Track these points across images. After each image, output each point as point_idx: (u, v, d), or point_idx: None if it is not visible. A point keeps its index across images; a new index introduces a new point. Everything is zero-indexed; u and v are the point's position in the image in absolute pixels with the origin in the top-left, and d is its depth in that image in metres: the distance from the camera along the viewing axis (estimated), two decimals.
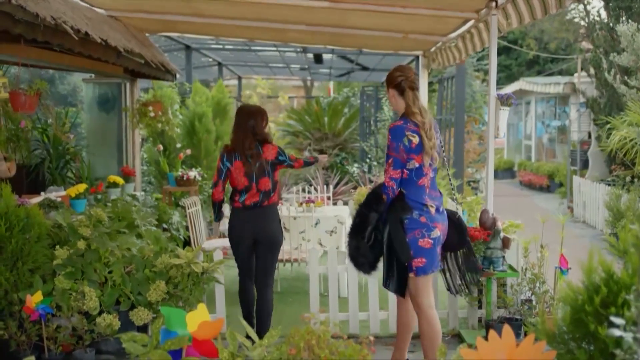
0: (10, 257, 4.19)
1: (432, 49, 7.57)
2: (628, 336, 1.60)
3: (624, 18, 11.67)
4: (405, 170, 3.78)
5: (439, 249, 3.86)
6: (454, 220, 4.03)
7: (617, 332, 1.60)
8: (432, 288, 3.96)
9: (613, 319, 1.64)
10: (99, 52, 5.32)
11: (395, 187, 3.78)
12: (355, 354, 2.20)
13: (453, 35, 6.56)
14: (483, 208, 5.20)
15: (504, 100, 5.15)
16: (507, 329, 1.70)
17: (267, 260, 4.76)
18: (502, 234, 4.91)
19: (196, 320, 2.20)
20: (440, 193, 3.97)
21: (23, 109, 4.85)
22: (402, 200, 3.78)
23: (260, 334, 4.57)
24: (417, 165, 3.77)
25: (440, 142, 4.00)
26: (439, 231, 3.81)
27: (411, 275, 3.85)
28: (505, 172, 21.21)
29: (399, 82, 3.85)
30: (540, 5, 4.62)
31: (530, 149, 20.88)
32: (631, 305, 1.67)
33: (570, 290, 1.85)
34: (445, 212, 3.94)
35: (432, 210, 3.80)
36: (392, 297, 5.24)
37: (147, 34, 7.59)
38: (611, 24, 12.08)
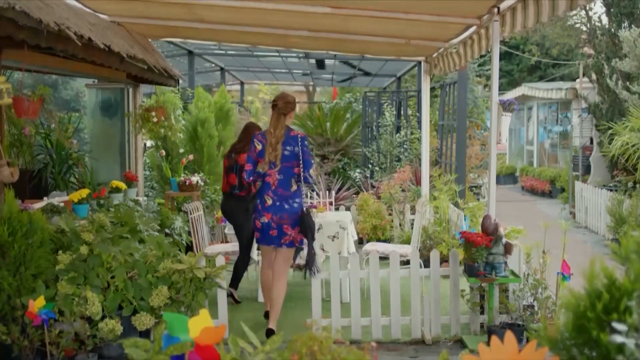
0: (13, 262, 4.20)
1: (434, 55, 7.58)
2: (630, 342, 1.60)
3: (625, 24, 11.68)
4: (256, 168, 5.13)
5: (272, 232, 5.11)
6: (303, 216, 5.11)
7: (619, 339, 1.60)
8: (266, 258, 5.37)
9: (615, 325, 1.64)
10: (102, 57, 5.34)
11: (246, 176, 5.15)
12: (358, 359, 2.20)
13: (455, 41, 6.58)
14: (485, 214, 5.20)
15: (506, 106, 5.16)
16: (509, 334, 1.70)
17: (239, 239, 6.33)
18: (504, 240, 4.90)
19: (198, 325, 2.20)
20: (296, 193, 5.11)
21: (26, 115, 4.86)
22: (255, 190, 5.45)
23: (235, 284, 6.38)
24: (260, 166, 5.12)
25: (297, 152, 5.06)
26: (267, 219, 5.09)
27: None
28: (507, 177, 21.20)
29: (272, 104, 5.22)
30: (535, 14, 4.63)
31: (533, 155, 20.87)
32: (633, 312, 1.67)
33: (572, 296, 1.84)
34: (287, 207, 5.07)
35: (269, 202, 5.08)
36: (394, 302, 5.25)
37: (150, 40, 7.62)
38: (612, 30, 12.10)
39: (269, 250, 5.31)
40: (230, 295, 6.14)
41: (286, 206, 5.07)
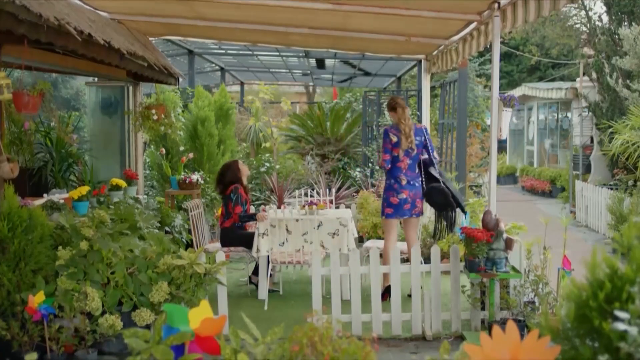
0: (13, 258, 4.19)
1: (435, 53, 7.57)
2: (633, 330, 1.59)
3: (626, 22, 11.68)
4: (392, 156, 6.11)
5: (406, 205, 6.10)
6: (439, 189, 6.05)
7: (621, 326, 1.60)
8: (394, 230, 6.26)
9: (617, 313, 1.63)
10: (102, 54, 5.33)
11: (385, 165, 6.14)
12: (359, 351, 2.19)
13: (455, 38, 6.57)
14: (486, 209, 5.19)
15: (506, 102, 5.15)
16: (511, 324, 1.69)
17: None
18: (505, 235, 4.89)
19: (199, 316, 2.20)
20: (418, 174, 6.14)
21: (26, 110, 4.84)
22: (387, 173, 6.25)
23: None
24: (395, 154, 6.12)
25: (423, 141, 6.16)
26: (405, 195, 6.09)
27: (382, 218, 6.28)
28: (507, 177, 21.18)
29: (393, 105, 6.21)
30: (535, 9, 4.62)
31: (533, 155, 20.85)
32: (635, 300, 1.66)
33: (574, 286, 1.83)
34: (417, 185, 6.13)
35: (404, 182, 6.10)
36: (395, 298, 5.23)
37: (150, 38, 7.61)
38: (613, 29, 12.10)
39: (394, 223, 6.28)
40: (251, 282, 6.62)
41: (416, 184, 6.14)
